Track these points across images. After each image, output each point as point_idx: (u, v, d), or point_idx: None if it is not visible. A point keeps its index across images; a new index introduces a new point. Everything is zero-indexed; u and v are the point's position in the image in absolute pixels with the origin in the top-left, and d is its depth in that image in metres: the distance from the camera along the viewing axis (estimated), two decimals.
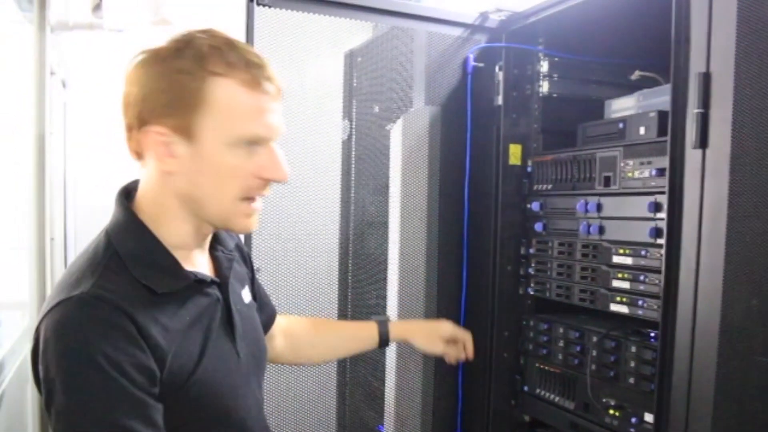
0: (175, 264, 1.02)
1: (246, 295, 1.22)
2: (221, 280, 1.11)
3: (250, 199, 1.03)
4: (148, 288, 0.97)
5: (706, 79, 1.14)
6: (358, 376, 1.99)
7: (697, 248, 1.14)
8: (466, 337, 1.58)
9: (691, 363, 1.15)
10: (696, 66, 1.16)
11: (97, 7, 1.85)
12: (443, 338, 1.55)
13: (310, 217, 1.73)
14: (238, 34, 1.49)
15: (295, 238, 1.70)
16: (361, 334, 1.53)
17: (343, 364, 1.97)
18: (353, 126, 1.99)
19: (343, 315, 1.93)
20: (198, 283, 1.05)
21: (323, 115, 1.79)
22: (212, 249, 1.15)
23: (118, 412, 0.89)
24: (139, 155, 1.03)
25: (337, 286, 1.89)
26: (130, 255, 0.98)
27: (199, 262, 1.10)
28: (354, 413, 1.99)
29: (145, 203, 1.04)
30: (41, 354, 0.91)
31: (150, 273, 0.98)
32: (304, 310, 1.71)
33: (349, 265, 1.95)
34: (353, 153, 2.00)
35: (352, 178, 1.99)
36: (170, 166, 0.98)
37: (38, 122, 1.54)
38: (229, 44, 0.98)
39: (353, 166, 1.99)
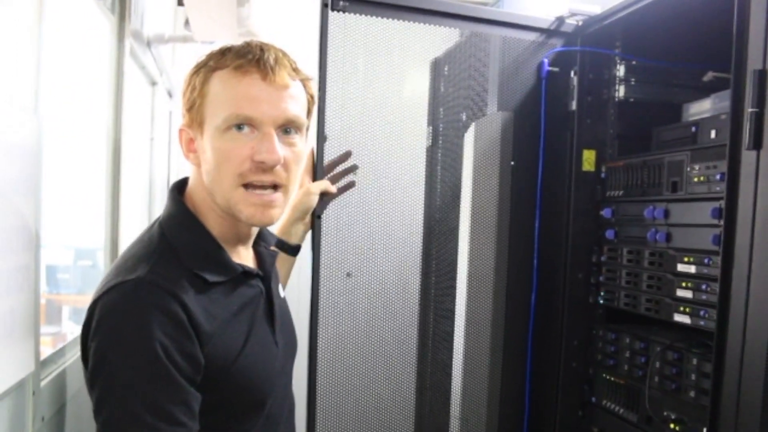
0: (224, 255, 1.08)
1: (281, 290, 1.28)
2: (264, 274, 1.17)
3: (252, 186, 1.04)
4: (199, 277, 1.02)
5: (761, 76, 1.08)
6: (424, 377, 2.01)
7: (749, 256, 1.08)
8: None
9: (740, 376, 1.08)
10: (753, 63, 1.10)
11: (188, 21, 2.01)
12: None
13: (397, 223, 1.76)
14: (314, 40, 1.56)
15: (384, 244, 1.73)
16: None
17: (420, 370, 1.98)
18: (435, 133, 2.02)
19: (423, 320, 1.94)
20: (244, 275, 1.11)
21: (406, 121, 1.82)
22: (257, 245, 1.22)
23: (163, 396, 0.92)
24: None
25: (418, 291, 1.92)
26: (182, 246, 1.05)
27: (243, 256, 1.16)
28: (427, 415, 2.01)
29: (192, 197, 1.12)
30: (92, 332, 0.96)
31: (201, 263, 1.04)
32: (388, 315, 1.74)
33: (432, 273, 1.97)
34: (437, 160, 2.03)
35: (437, 186, 2.02)
36: (192, 160, 1.07)
37: (115, 128, 1.69)
38: (245, 43, 1.05)
39: (438, 173, 2.02)
